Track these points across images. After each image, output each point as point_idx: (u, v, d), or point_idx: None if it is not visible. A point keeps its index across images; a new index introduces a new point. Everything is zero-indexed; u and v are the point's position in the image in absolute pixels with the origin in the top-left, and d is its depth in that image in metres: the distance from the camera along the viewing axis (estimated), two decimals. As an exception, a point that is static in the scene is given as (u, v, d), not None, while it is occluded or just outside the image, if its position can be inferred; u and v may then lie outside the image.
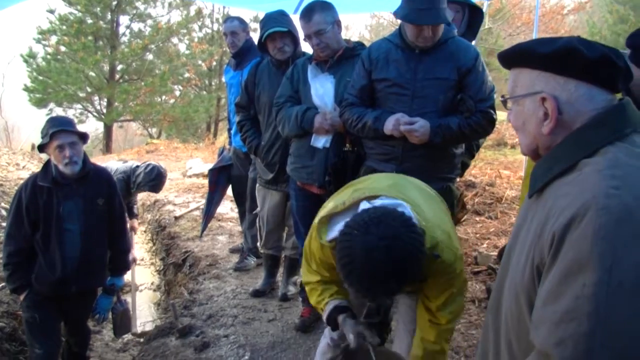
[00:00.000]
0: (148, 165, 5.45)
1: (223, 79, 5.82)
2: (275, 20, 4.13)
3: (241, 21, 5.29)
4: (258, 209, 4.79)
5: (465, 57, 3.22)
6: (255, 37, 4.88)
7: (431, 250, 2.17)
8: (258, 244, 4.94)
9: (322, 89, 3.62)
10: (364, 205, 2.21)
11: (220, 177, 5.61)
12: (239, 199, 5.74)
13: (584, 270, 1.18)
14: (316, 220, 2.46)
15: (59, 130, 3.70)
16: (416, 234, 2.01)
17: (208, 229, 7.16)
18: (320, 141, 3.69)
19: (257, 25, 23.93)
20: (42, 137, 3.76)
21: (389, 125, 3.16)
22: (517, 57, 1.51)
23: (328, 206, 2.52)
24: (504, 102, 1.57)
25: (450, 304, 2.45)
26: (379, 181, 2.64)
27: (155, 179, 5.38)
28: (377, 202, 2.20)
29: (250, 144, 4.53)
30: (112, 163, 5.75)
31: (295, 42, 4.22)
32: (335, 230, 2.25)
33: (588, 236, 1.19)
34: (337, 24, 3.68)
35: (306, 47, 4.23)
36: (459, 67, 3.20)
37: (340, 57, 3.68)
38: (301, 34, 3.82)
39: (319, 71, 3.69)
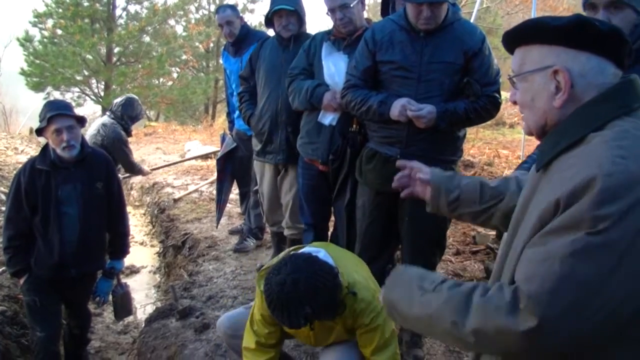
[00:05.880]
0: (122, 100, 6.26)
1: (221, 61, 5.95)
2: None
3: (233, 9, 5.37)
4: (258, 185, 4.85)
5: (471, 40, 3.16)
6: (255, 18, 4.91)
7: (349, 288, 2.60)
8: (264, 220, 5.09)
9: (334, 68, 3.62)
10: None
11: (227, 165, 5.62)
12: (241, 180, 5.77)
13: (577, 228, 1.22)
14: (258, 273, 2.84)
15: (57, 114, 3.69)
16: (321, 266, 2.47)
17: (207, 211, 7.19)
18: (328, 118, 3.70)
19: (253, 7, 23.99)
20: (40, 121, 3.76)
21: (395, 111, 3.10)
22: (526, 33, 1.50)
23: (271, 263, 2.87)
24: (512, 81, 1.55)
25: (383, 350, 2.73)
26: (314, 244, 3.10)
27: (137, 105, 6.31)
28: (301, 250, 2.72)
29: (245, 113, 4.62)
30: (97, 123, 6.27)
31: (300, 22, 4.26)
32: None
33: (591, 200, 1.21)
34: (362, 1, 3.69)
35: (312, 28, 4.26)
36: (465, 50, 3.13)
37: (358, 37, 3.61)
38: (308, 14, 3.85)
39: (334, 49, 3.68)
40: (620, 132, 1.32)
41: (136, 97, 6.46)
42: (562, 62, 1.41)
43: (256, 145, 4.55)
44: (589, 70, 1.40)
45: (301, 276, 2.38)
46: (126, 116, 6.15)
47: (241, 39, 5.22)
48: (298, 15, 4.21)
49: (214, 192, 6.65)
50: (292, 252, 2.69)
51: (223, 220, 6.65)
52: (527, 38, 1.50)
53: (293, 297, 2.36)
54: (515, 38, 1.53)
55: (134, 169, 6.44)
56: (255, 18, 24.23)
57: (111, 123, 6.03)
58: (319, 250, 2.68)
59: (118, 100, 6.30)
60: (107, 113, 6.24)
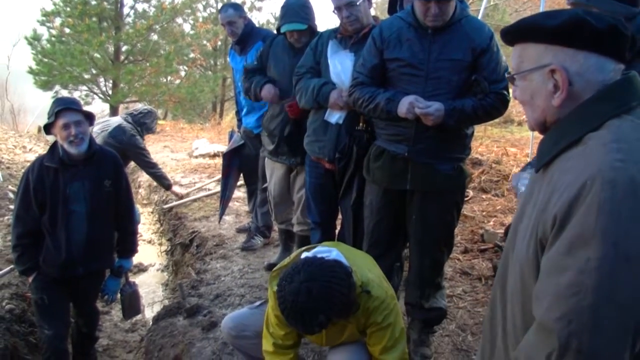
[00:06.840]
0: (145, 110, 6.79)
1: (228, 59, 6.02)
2: (295, 14, 4.12)
3: (236, 8, 5.29)
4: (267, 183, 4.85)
5: (480, 37, 3.12)
6: (262, 16, 4.88)
7: (363, 287, 2.61)
8: (272, 218, 5.11)
9: (340, 66, 3.60)
10: (303, 255, 2.68)
11: (233, 161, 5.62)
12: (249, 178, 5.77)
13: (588, 245, 1.18)
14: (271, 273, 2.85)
15: (65, 109, 3.71)
16: (335, 271, 2.44)
17: (215, 209, 7.19)
18: (334, 117, 3.70)
19: (261, 4, 23.96)
20: (48, 118, 3.77)
21: (403, 108, 3.07)
22: (522, 32, 1.48)
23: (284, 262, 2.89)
24: (511, 79, 1.54)
25: (392, 349, 2.73)
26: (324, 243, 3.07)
27: (155, 119, 6.82)
28: (313, 251, 2.70)
29: (255, 86, 4.42)
30: (110, 122, 6.59)
31: (312, 33, 4.20)
32: None
33: (593, 210, 1.19)
34: None
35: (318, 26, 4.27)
36: (473, 47, 3.10)
37: (365, 35, 3.59)
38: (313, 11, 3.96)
39: (340, 48, 3.67)
40: (618, 133, 1.29)
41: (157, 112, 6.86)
42: (559, 61, 1.40)
43: (268, 145, 4.53)
44: (587, 69, 1.38)
45: (315, 285, 2.36)
46: (144, 126, 6.50)
47: (245, 37, 5.19)
48: (310, 29, 4.19)
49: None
50: (304, 256, 2.65)
51: (231, 218, 6.67)
52: (523, 37, 1.48)
53: (307, 306, 2.35)
54: (512, 36, 1.52)
55: (155, 167, 6.91)
56: (262, 16, 24.17)
57: (130, 127, 6.30)
58: (331, 250, 2.66)
59: (141, 107, 6.75)
60: (124, 115, 6.37)
